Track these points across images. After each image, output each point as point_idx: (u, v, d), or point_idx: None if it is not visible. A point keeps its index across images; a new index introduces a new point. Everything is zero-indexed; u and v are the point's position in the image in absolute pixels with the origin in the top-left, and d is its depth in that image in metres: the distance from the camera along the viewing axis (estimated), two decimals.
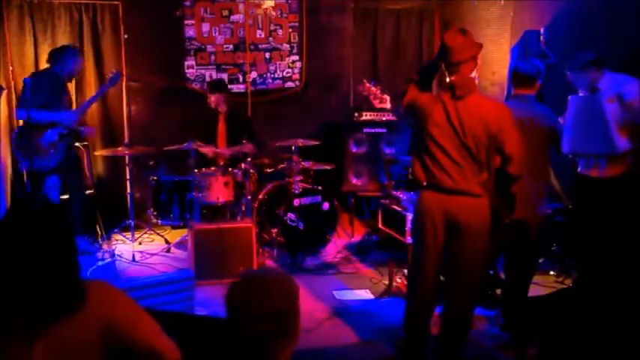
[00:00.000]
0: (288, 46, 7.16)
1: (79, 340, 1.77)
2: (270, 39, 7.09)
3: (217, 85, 6.33)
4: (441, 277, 3.60)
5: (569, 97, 4.46)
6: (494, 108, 3.31)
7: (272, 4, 7.04)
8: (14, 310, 1.71)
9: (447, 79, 3.38)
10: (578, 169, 4.58)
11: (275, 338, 1.73)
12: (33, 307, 1.71)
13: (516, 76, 3.80)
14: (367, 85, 4.08)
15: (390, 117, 6.60)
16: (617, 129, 4.06)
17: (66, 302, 1.74)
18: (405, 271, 4.71)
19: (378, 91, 4.05)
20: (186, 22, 6.79)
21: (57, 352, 1.75)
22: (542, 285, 4.71)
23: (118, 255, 5.71)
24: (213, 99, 6.10)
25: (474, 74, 3.37)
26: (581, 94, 4.51)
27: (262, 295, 1.73)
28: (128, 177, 6.23)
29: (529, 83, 3.76)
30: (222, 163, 5.84)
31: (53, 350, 1.74)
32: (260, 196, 5.77)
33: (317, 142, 6.10)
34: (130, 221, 6.06)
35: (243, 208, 5.69)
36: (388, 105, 4.03)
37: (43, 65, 6.30)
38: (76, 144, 5.95)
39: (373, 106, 4.12)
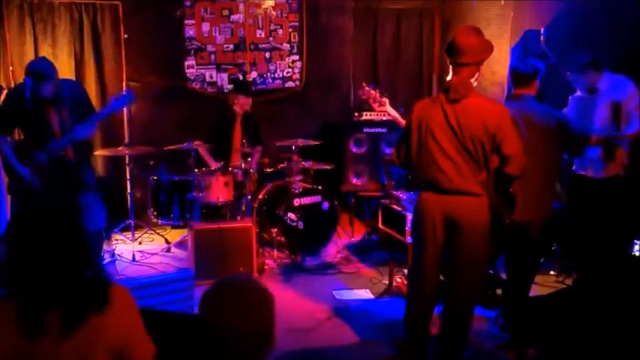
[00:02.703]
0: (288, 45, 7.16)
1: (100, 342, 1.81)
2: (271, 39, 7.09)
3: (247, 87, 6.47)
4: (441, 277, 3.60)
5: (570, 98, 4.48)
6: (493, 109, 3.30)
7: (272, 3, 7.04)
8: (48, 309, 1.75)
9: (447, 78, 3.38)
10: (573, 168, 4.59)
11: (252, 353, 1.71)
12: (65, 304, 1.76)
13: (513, 76, 3.82)
14: (366, 88, 4.10)
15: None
16: (595, 135, 4.10)
17: (94, 299, 1.81)
18: (405, 270, 4.71)
19: (377, 94, 4.08)
20: (186, 21, 6.79)
21: (81, 352, 1.78)
22: (542, 285, 4.71)
23: (118, 255, 5.71)
24: (246, 101, 6.13)
25: (474, 78, 3.34)
26: (579, 94, 4.52)
27: (240, 314, 1.69)
28: (128, 177, 6.24)
29: (526, 83, 3.76)
30: (237, 162, 5.85)
31: (78, 350, 1.78)
32: (260, 196, 5.78)
33: (317, 142, 6.11)
34: (130, 221, 6.07)
35: (243, 208, 5.69)
36: (388, 107, 4.05)
37: None
38: None
39: (373, 109, 4.14)
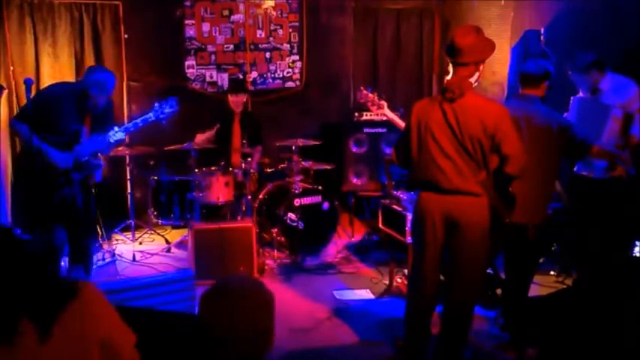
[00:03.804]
0: (288, 45, 7.16)
1: (81, 336, 1.81)
2: (271, 39, 7.09)
3: (242, 86, 6.52)
4: (441, 277, 3.60)
5: (572, 99, 4.45)
6: (491, 108, 3.29)
7: (272, 3, 7.04)
8: (17, 317, 1.75)
9: (447, 78, 3.38)
10: (575, 168, 4.58)
11: (251, 351, 1.70)
12: (32, 309, 1.76)
13: (522, 77, 3.78)
14: (364, 92, 4.11)
15: None
16: (597, 147, 4.05)
17: (60, 298, 1.80)
18: (405, 270, 4.71)
19: (375, 97, 4.08)
20: (186, 21, 6.79)
21: (68, 350, 1.78)
22: (543, 285, 4.71)
23: (118, 255, 5.70)
24: (237, 99, 6.14)
25: (473, 78, 3.34)
26: (581, 94, 4.51)
27: (239, 315, 1.69)
28: (128, 177, 6.25)
29: (534, 84, 3.74)
30: (237, 161, 5.86)
31: (63, 349, 1.78)
32: (260, 196, 5.78)
33: (317, 142, 6.11)
34: (131, 221, 6.07)
35: (244, 208, 5.69)
36: (386, 110, 4.05)
37: (44, 65, 6.31)
38: None
39: (371, 112, 4.15)
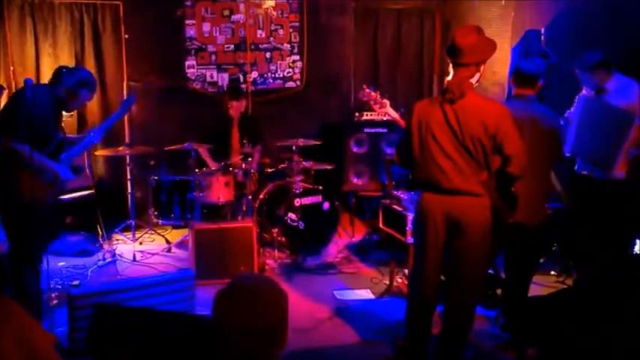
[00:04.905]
0: (288, 45, 7.16)
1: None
2: (271, 39, 7.09)
3: (241, 91, 6.55)
4: (442, 277, 3.60)
5: (578, 97, 4.42)
6: (493, 108, 3.29)
7: (273, 3, 7.04)
8: None
9: (447, 79, 3.38)
10: (576, 168, 4.58)
11: (264, 349, 1.71)
12: None
13: (518, 76, 3.78)
14: (367, 90, 4.11)
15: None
16: (624, 155, 4.02)
17: None
18: (406, 270, 4.71)
19: (378, 96, 4.08)
20: (187, 21, 6.79)
21: None
22: (543, 285, 4.71)
23: (118, 255, 5.71)
24: (239, 104, 6.20)
25: (474, 78, 3.33)
26: (584, 93, 4.50)
27: (252, 312, 1.69)
28: (129, 177, 6.24)
29: (531, 83, 3.74)
30: (237, 162, 5.86)
31: None
32: (261, 196, 5.78)
33: (318, 142, 6.11)
34: (131, 221, 6.07)
35: (244, 208, 5.69)
36: (388, 109, 4.05)
37: (44, 65, 6.31)
38: None
39: (374, 110, 4.15)
